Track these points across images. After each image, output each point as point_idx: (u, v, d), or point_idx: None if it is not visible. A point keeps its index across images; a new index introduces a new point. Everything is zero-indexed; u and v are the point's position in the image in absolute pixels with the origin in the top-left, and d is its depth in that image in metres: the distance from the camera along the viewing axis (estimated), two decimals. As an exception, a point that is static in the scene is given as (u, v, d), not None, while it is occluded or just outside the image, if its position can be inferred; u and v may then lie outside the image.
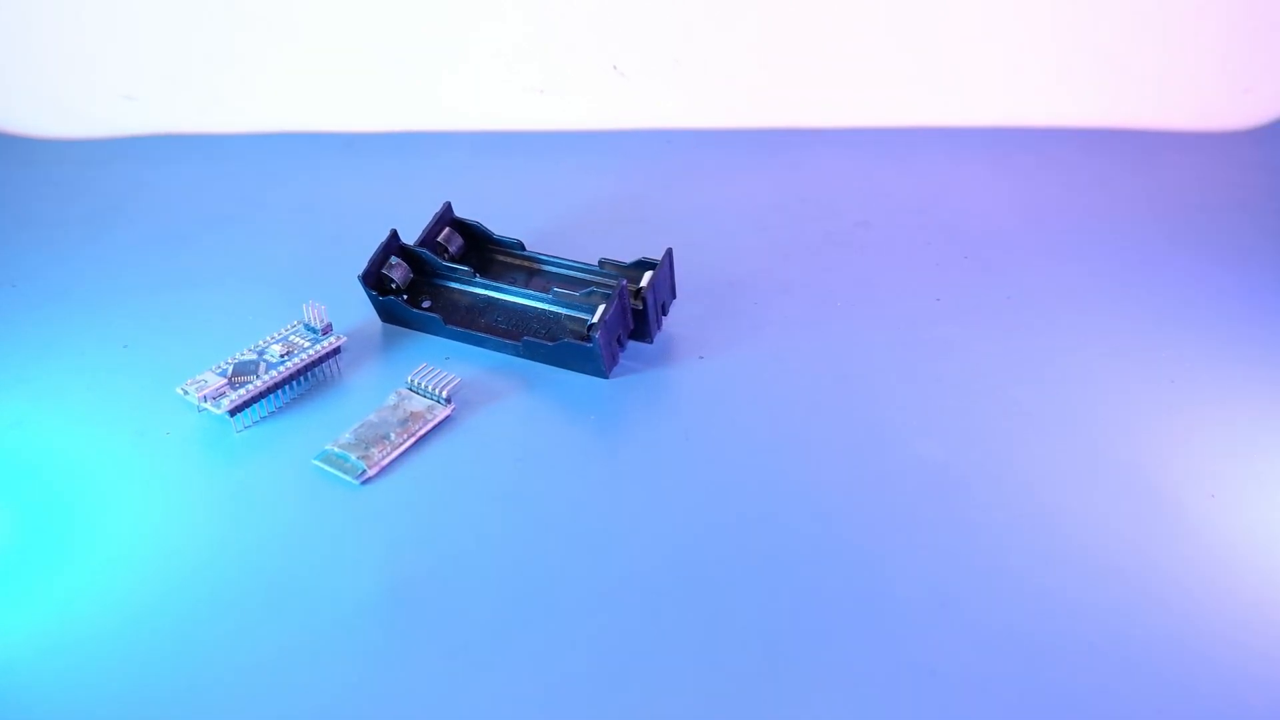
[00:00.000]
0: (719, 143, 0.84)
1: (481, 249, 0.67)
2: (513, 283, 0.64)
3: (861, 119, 0.86)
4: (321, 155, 0.81)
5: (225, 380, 0.56)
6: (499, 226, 0.66)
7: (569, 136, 0.84)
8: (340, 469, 0.53)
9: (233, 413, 0.54)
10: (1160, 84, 0.86)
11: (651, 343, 0.61)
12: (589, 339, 0.57)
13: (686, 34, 0.83)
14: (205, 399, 0.55)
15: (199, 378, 0.56)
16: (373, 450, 0.53)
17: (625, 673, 0.44)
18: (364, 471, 0.52)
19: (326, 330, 0.59)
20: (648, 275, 0.60)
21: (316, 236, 0.72)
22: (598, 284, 0.63)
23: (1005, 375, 0.60)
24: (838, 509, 0.51)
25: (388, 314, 0.63)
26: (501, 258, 0.67)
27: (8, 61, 0.82)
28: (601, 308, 0.58)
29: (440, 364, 0.58)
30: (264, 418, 0.56)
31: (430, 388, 0.56)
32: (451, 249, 0.66)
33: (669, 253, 0.62)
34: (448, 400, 0.56)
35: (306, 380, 0.58)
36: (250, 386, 0.55)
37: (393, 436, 0.54)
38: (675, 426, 0.56)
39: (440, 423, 0.56)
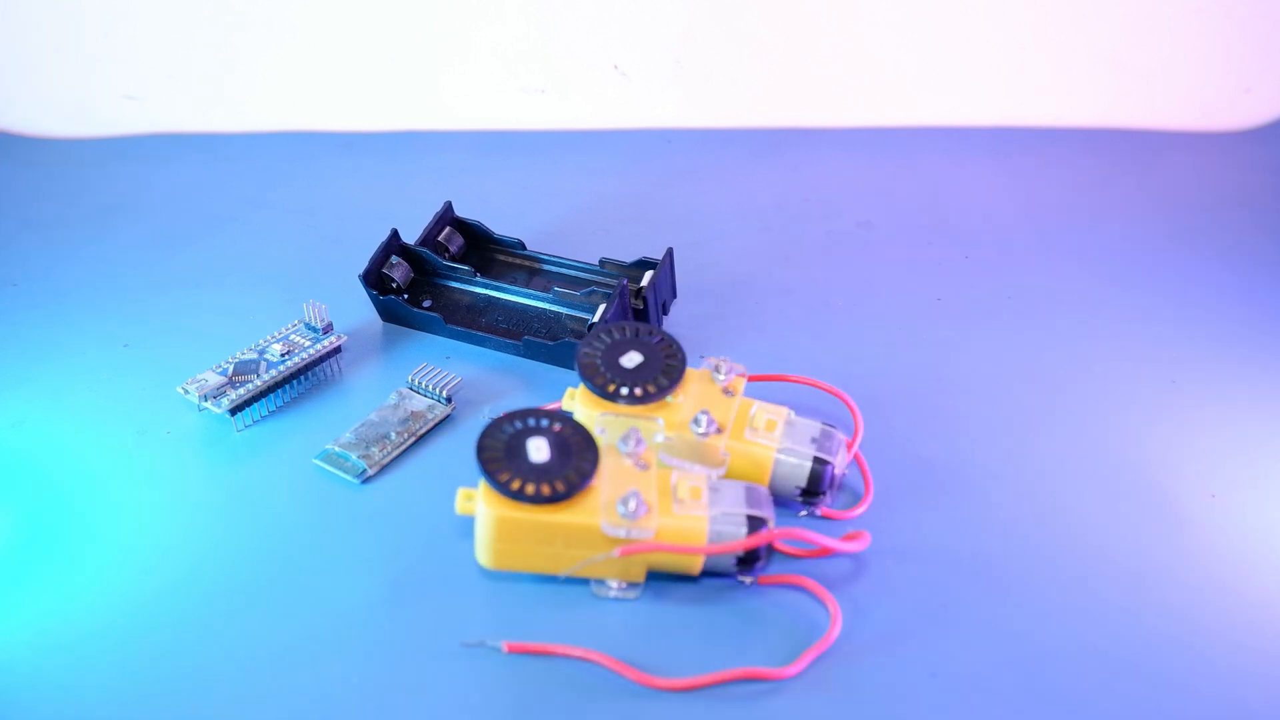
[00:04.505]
0: (720, 143, 0.84)
1: (482, 248, 0.67)
2: (513, 282, 0.64)
3: (862, 119, 0.86)
4: (322, 155, 0.81)
5: (226, 379, 0.56)
6: (499, 226, 0.66)
7: (570, 136, 0.84)
8: (341, 468, 0.53)
9: (233, 412, 0.54)
10: (1161, 83, 0.86)
11: (652, 342, 0.62)
12: (589, 338, 0.58)
13: (688, 34, 0.83)
14: (206, 398, 0.55)
15: (200, 377, 0.56)
16: (373, 449, 0.53)
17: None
18: (364, 471, 0.52)
19: (327, 329, 0.59)
20: (648, 275, 0.60)
21: (317, 236, 0.72)
22: (598, 283, 0.63)
23: (1006, 375, 0.60)
24: (838, 508, 0.51)
25: (388, 313, 0.63)
26: (502, 257, 0.67)
27: (8, 61, 0.82)
28: (602, 307, 0.58)
29: (441, 363, 0.58)
30: (264, 417, 0.56)
31: (431, 387, 0.56)
32: (452, 248, 0.66)
33: (669, 252, 0.62)
34: (448, 400, 0.56)
35: (307, 379, 0.58)
36: (251, 385, 0.55)
37: (393, 436, 0.54)
38: (676, 426, 0.56)
39: (441, 422, 0.56)
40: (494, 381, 0.59)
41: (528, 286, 0.63)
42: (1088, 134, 0.85)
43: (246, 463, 0.54)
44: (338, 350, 0.59)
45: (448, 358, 0.60)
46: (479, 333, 0.60)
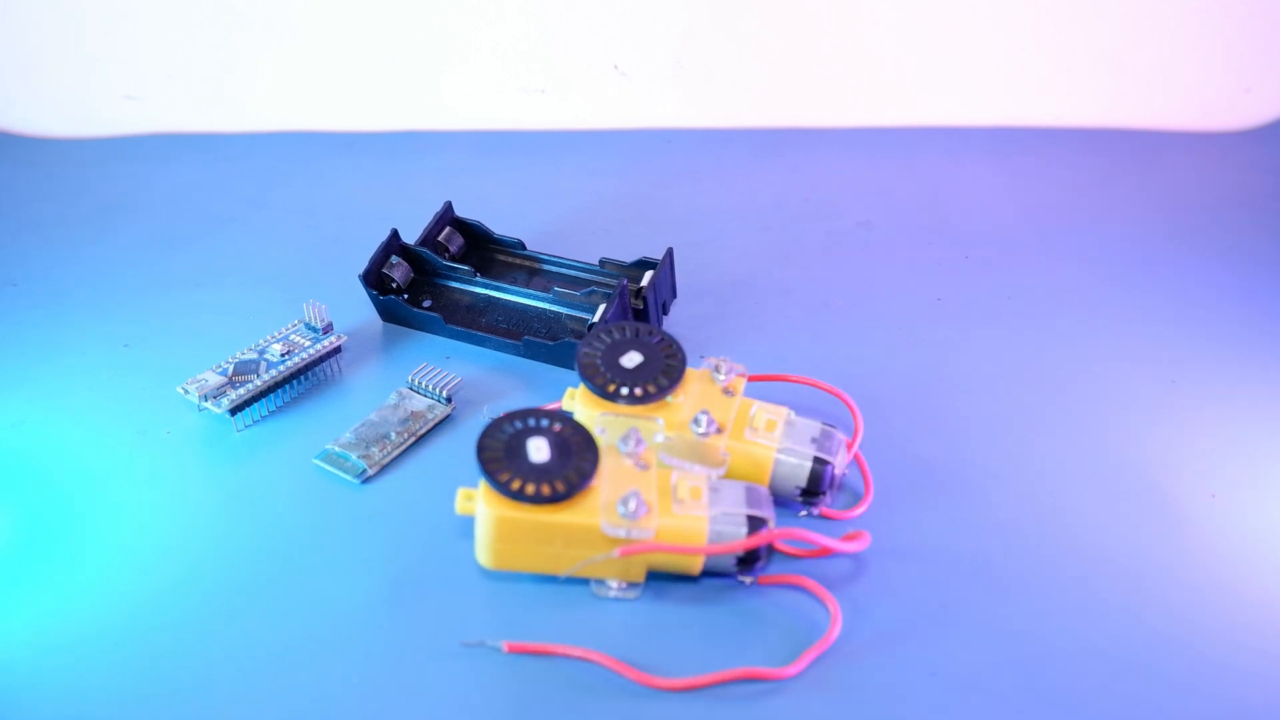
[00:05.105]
0: (720, 143, 0.84)
1: (482, 248, 0.67)
2: (513, 282, 0.64)
3: (862, 119, 0.86)
4: (321, 155, 0.81)
5: (226, 379, 0.56)
6: (499, 226, 0.66)
7: (570, 136, 0.84)
8: (341, 468, 0.53)
9: (233, 412, 0.54)
10: (1161, 83, 0.86)
11: (652, 342, 0.62)
12: (589, 338, 0.58)
13: (688, 34, 0.83)
14: (206, 398, 0.55)
15: (200, 377, 0.56)
16: (373, 449, 0.53)
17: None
18: (364, 471, 0.52)
19: (327, 329, 0.60)
20: (648, 275, 0.61)
21: (317, 236, 0.72)
22: (598, 283, 0.63)
23: (1005, 375, 0.60)
24: (838, 508, 0.51)
25: (388, 313, 0.63)
26: (502, 257, 0.67)
27: (8, 61, 0.82)
28: (602, 307, 0.58)
29: (441, 363, 0.58)
30: (264, 417, 0.56)
31: (431, 387, 0.56)
32: (452, 248, 0.66)
33: (669, 252, 0.62)
34: (448, 400, 0.56)
35: (307, 379, 0.58)
36: (251, 385, 0.55)
37: (393, 436, 0.54)
38: (676, 426, 0.56)
39: (441, 422, 0.56)
40: (494, 381, 0.59)
41: (528, 286, 0.63)
42: (1088, 134, 0.85)
43: (246, 463, 0.54)
44: (338, 350, 0.59)
45: (448, 358, 0.60)
46: (479, 333, 0.60)
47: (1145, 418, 0.57)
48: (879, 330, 0.64)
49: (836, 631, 0.45)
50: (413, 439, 0.55)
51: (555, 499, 0.44)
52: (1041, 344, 0.63)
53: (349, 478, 0.52)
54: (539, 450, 0.45)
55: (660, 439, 0.48)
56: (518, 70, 0.84)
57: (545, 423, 0.47)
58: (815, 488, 0.49)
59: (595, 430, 0.47)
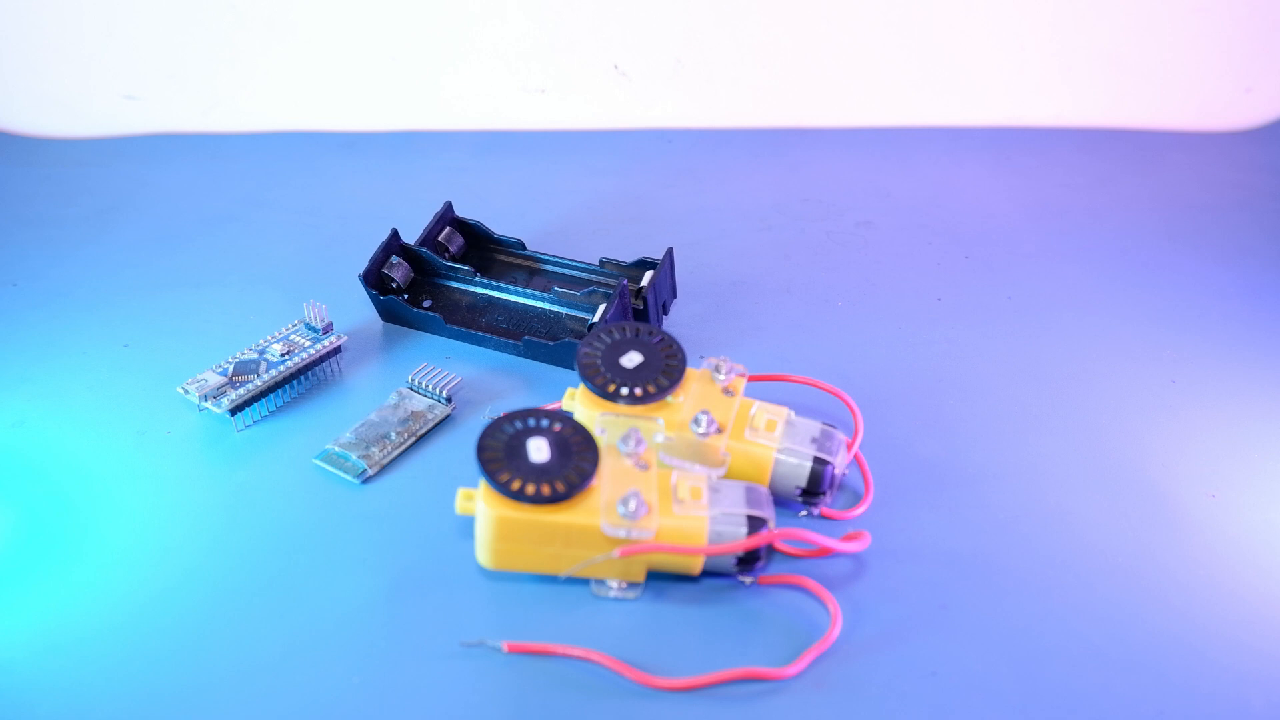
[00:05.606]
0: (720, 142, 0.84)
1: (482, 248, 0.67)
2: (513, 282, 0.64)
3: (862, 119, 0.86)
4: (322, 155, 0.81)
5: (226, 379, 0.56)
6: (500, 226, 0.66)
7: (570, 136, 0.84)
8: (341, 468, 0.53)
9: (233, 412, 0.54)
10: (1161, 83, 0.86)
11: (652, 342, 0.62)
12: (589, 338, 0.58)
13: (688, 34, 0.83)
14: (206, 398, 0.55)
15: (200, 377, 0.56)
16: (373, 449, 0.53)
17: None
18: (365, 471, 0.52)
19: (327, 329, 0.60)
20: (648, 275, 0.61)
21: (317, 236, 0.72)
22: (598, 283, 0.63)
23: (1006, 375, 0.60)
24: (838, 508, 0.51)
25: (388, 313, 0.63)
26: (502, 257, 0.67)
27: (8, 61, 0.82)
28: (602, 307, 0.58)
29: (441, 363, 0.58)
30: (265, 417, 0.56)
31: (431, 387, 0.56)
32: (452, 248, 0.66)
33: (670, 252, 0.62)
34: (448, 400, 0.56)
35: (307, 379, 0.58)
36: (251, 385, 0.55)
37: (393, 436, 0.54)
38: (676, 426, 0.56)
39: (441, 422, 0.56)
40: (494, 381, 0.59)
41: (528, 286, 0.63)
42: (1088, 134, 0.85)
43: (246, 463, 0.54)
44: (338, 350, 0.59)
45: (448, 358, 0.60)
46: (479, 333, 0.60)
47: (1145, 418, 0.57)
48: (879, 330, 0.64)
49: (836, 631, 0.45)
50: (413, 439, 0.55)
51: (555, 499, 0.44)
52: (1041, 344, 0.63)
53: (349, 478, 0.52)
54: (539, 450, 0.45)
55: (660, 439, 0.48)
56: (518, 70, 0.84)
57: (545, 423, 0.47)
58: (815, 488, 0.49)
59: (595, 430, 0.47)
